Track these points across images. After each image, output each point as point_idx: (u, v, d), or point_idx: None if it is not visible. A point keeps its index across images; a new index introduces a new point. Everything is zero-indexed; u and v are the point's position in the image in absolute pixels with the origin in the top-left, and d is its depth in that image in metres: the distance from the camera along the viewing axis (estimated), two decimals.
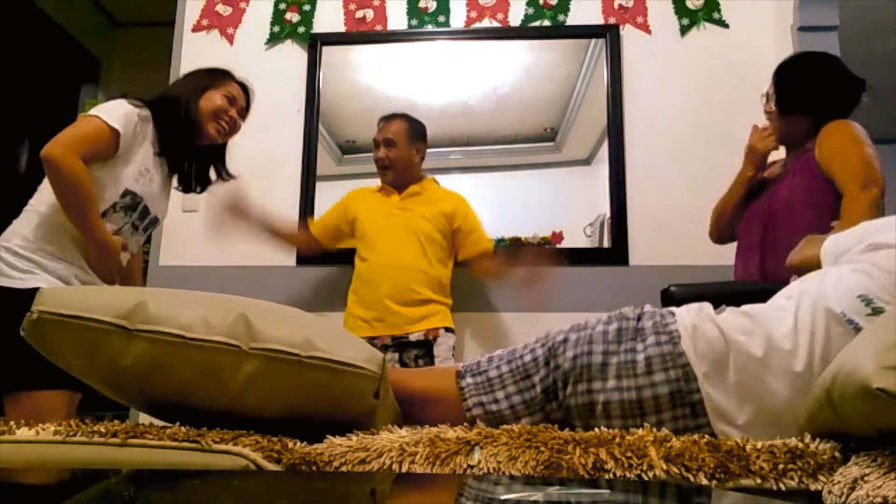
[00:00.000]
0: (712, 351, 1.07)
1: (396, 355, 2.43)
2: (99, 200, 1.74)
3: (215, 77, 1.97)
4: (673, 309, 1.17)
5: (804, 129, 2.09)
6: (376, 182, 2.70)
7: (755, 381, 1.05)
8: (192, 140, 1.92)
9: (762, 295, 1.41)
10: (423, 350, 2.44)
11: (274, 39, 3.07)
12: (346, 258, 2.82)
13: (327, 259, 2.85)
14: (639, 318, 1.15)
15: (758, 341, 1.06)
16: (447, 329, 2.50)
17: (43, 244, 1.70)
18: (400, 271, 2.46)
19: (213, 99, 1.92)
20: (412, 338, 2.44)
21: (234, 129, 1.98)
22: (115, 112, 1.73)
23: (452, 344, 2.50)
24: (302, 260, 2.87)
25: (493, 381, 1.18)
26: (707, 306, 1.17)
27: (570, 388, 1.11)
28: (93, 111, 1.74)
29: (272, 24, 3.08)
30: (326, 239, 2.67)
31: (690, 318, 1.13)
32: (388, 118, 2.65)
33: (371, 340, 2.40)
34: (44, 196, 1.75)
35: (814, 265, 1.32)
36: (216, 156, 2.05)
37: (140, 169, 1.80)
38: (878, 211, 1.90)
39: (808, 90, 2.12)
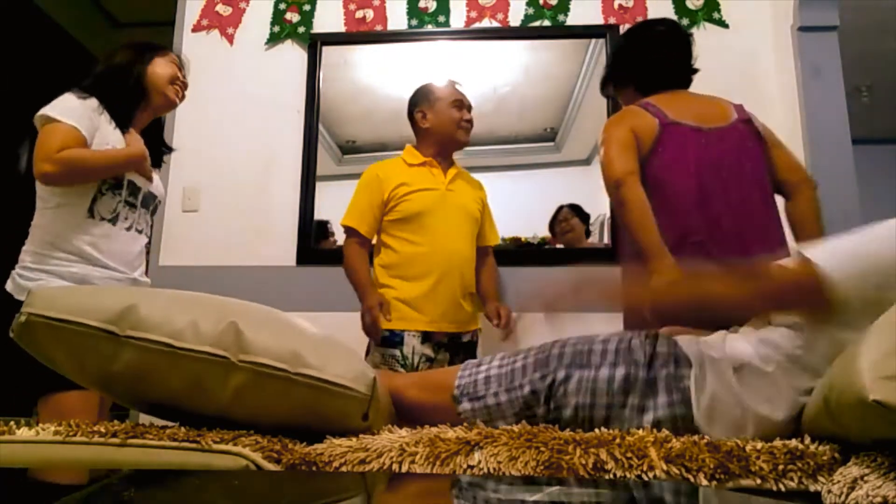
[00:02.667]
0: (729, 417, 1.02)
1: (448, 355, 2.25)
2: (88, 193, 1.77)
3: (154, 48, 1.97)
4: (688, 351, 1.08)
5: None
6: None
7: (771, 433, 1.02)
8: (140, 104, 1.91)
9: None
10: (470, 351, 2.32)
11: (274, 39, 3.07)
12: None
13: (327, 259, 2.85)
14: (650, 364, 1.07)
15: (782, 410, 1.01)
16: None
17: (51, 252, 1.74)
18: (464, 263, 2.28)
19: (164, 66, 1.93)
20: (464, 339, 2.30)
21: (185, 92, 2.01)
22: (66, 108, 1.75)
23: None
24: (302, 260, 2.87)
25: (492, 409, 1.14)
26: (722, 362, 1.05)
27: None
28: (45, 112, 1.75)
29: (272, 24, 3.08)
30: (372, 227, 2.34)
31: (711, 382, 1.03)
32: (458, 82, 2.47)
33: (427, 335, 2.22)
34: (40, 211, 1.79)
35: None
36: (159, 128, 2.06)
37: (109, 147, 1.80)
38: (624, 207, 1.71)
39: (621, 58, 2.02)
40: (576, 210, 2.88)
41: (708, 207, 1.75)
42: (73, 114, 1.74)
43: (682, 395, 1.03)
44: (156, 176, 1.99)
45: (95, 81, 1.86)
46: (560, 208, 2.88)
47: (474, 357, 2.28)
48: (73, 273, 1.73)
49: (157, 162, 2.03)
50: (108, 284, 1.77)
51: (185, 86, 1.99)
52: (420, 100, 2.40)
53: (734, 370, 1.03)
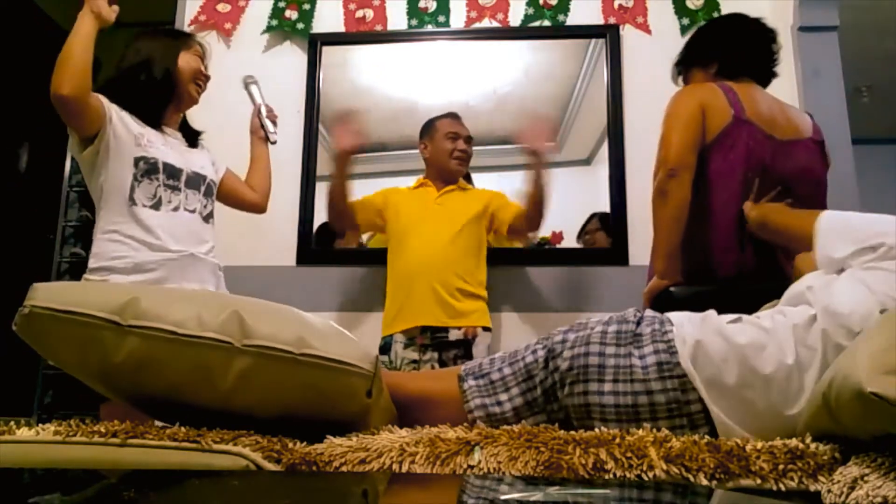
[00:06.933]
0: (713, 364, 1.05)
1: (436, 355, 2.35)
2: (125, 182, 1.78)
3: (182, 38, 1.98)
4: (672, 316, 1.15)
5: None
6: (377, 183, 2.70)
7: (757, 396, 1.03)
8: (171, 101, 1.92)
9: (760, 295, 1.40)
10: (463, 350, 2.37)
11: (271, 30, 3.06)
12: (346, 258, 2.82)
13: (327, 259, 2.85)
14: (638, 323, 1.14)
15: (771, 362, 1.04)
16: (485, 328, 2.44)
17: (107, 246, 1.75)
18: (443, 258, 2.41)
19: (189, 61, 1.93)
20: (451, 336, 2.37)
21: (205, 86, 2.01)
22: None
23: (489, 343, 2.44)
24: (302, 260, 2.87)
25: (496, 383, 1.17)
26: (712, 316, 1.13)
27: (568, 389, 1.11)
28: None
29: (270, 19, 3.08)
30: (363, 212, 2.57)
31: (693, 330, 1.10)
32: (457, 115, 2.67)
33: (410, 340, 2.36)
34: (97, 213, 1.82)
35: (798, 241, 1.35)
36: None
37: (134, 135, 1.80)
38: (664, 199, 1.77)
39: (709, 35, 1.97)
40: (603, 221, 2.87)
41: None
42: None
43: (666, 345, 1.09)
44: (204, 156, 2.00)
45: (117, 80, 1.86)
46: (591, 217, 2.89)
47: (468, 353, 2.35)
48: (127, 264, 1.73)
49: (194, 143, 2.02)
50: (165, 266, 1.77)
51: (207, 79, 1.99)
52: (423, 132, 2.66)
53: (728, 322, 1.11)
